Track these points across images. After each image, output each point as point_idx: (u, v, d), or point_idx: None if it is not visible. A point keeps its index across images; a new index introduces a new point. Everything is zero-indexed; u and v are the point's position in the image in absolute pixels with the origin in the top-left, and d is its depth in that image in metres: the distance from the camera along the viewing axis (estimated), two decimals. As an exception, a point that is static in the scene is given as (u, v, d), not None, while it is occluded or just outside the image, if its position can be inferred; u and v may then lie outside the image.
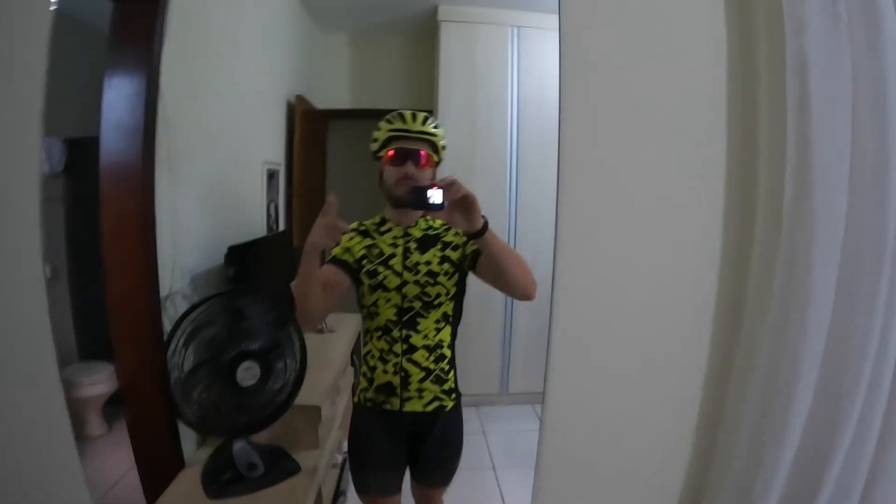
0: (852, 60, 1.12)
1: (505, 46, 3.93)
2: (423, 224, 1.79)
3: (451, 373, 1.82)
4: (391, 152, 1.70)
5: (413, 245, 1.75)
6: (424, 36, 4.47)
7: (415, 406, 1.76)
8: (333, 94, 4.71)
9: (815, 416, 1.23)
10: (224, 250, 2.48)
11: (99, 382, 3.16)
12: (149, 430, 2.07)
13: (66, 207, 3.46)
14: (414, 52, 4.80)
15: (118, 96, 1.94)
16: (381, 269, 1.72)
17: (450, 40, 3.92)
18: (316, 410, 2.31)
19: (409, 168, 1.69)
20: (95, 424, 3.29)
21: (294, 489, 2.05)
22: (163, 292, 2.08)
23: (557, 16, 1.27)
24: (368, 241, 1.76)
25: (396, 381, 1.74)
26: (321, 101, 4.49)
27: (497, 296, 1.68)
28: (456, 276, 1.75)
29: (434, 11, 3.98)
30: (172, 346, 1.87)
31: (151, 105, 1.96)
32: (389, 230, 1.78)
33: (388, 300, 1.71)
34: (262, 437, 2.10)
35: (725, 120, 1.29)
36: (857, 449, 1.24)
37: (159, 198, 2.03)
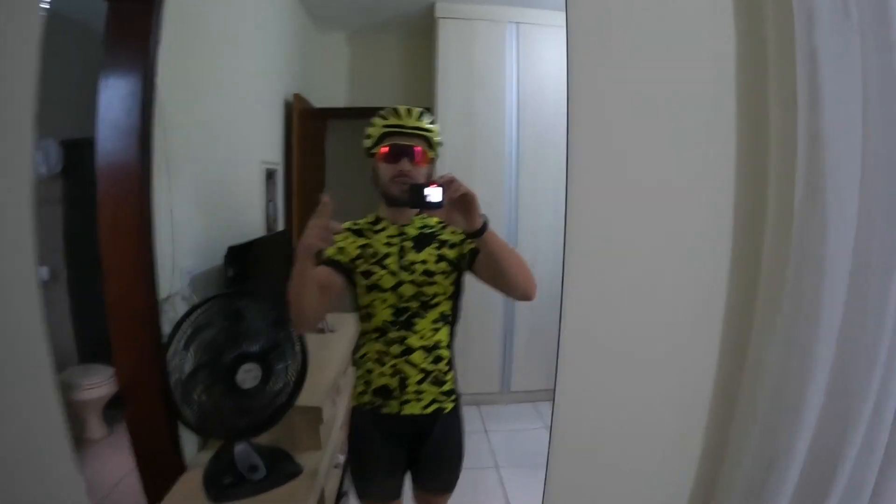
0: (862, 56, 1.11)
1: (503, 43, 3.92)
2: (418, 222, 1.75)
3: (450, 374, 1.77)
4: (385, 149, 1.65)
5: (409, 244, 1.70)
6: (422, 33, 4.48)
7: (413, 409, 1.71)
8: (331, 93, 4.72)
9: (826, 416, 1.22)
10: (223, 251, 2.47)
11: (99, 385, 3.16)
12: (149, 432, 2.04)
13: (65, 209, 3.46)
14: (412, 50, 4.80)
15: (114, 97, 1.92)
16: (376, 269, 1.67)
17: (448, 37, 3.90)
18: (317, 411, 2.30)
19: (405, 165, 1.63)
20: (96, 427, 3.29)
21: (296, 491, 2.04)
22: (162, 294, 2.06)
23: (563, 12, 1.25)
24: (363, 241, 1.71)
25: (394, 383, 1.69)
26: (319, 100, 4.49)
27: (497, 294, 1.65)
28: (453, 276, 1.71)
29: (431, 8, 3.97)
30: (172, 349, 1.86)
31: (148, 105, 1.94)
32: (384, 229, 1.73)
33: (384, 301, 1.67)
34: (263, 438, 2.09)
35: (735, 117, 1.27)
36: (867, 449, 1.22)
37: (157, 198, 2.01)
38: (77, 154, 3.34)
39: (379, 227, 1.73)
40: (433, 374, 1.70)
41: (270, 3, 3.69)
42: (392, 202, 1.69)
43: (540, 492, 3.06)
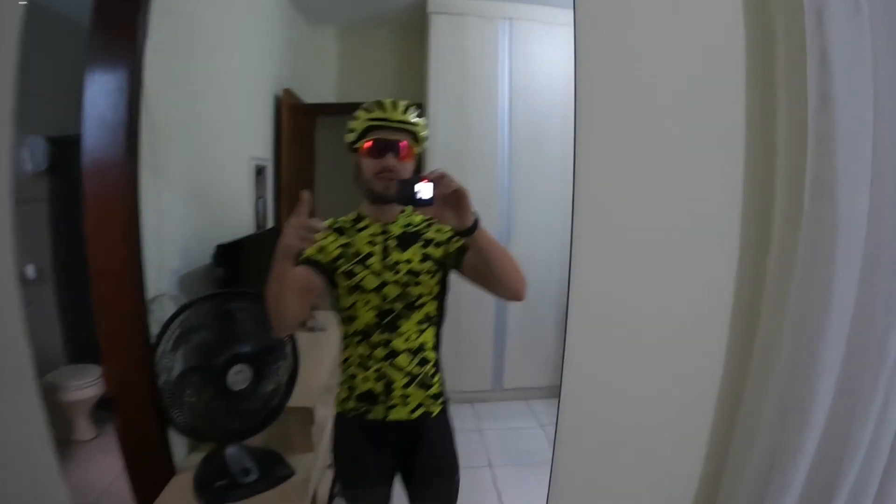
0: (873, 52, 1.08)
1: (496, 39, 3.87)
2: (402, 220, 1.68)
3: (437, 377, 1.71)
4: (369, 143, 1.59)
5: (393, 243, 1.64)
6: (414, 28, 4.41)
7: (400, 414, 1.64)
8: (321, 88, 4.66)
9: (833, 418, 1.20)
10: (212, 249, 2.43)
11: (87, 386, 3.11)
12: (138, 435, 2.01)
13: (51, 207, 3.41)
14: (403, 45, 4.74)
15: (100, 92, 1.88)
16: (358, 269, 1.60)
17: (439, 33, 3.86)
18: (309, 412, 2.27)
19: (389, 160, 1.57)
20: (84, 428, 3.24)
21: (288, 493, 2.02)
22: (149, 294, 2.02)
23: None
24: (344, 240, 1.64)
25: (379, 388, 1.63)
26: (309, 96, 4.44)
27: (489, 291, 1.60)
28: (439, 275, 1.65)
29: (423, 3, 3.93)
30: (161, 350, 1.82)
31: (134, 101, 1.90)
32: (367, 227, 1.66)
33: (367, 302, 1.60)
34: (255, 440, 2.06)
35: (744, 115, 1.26)
36: (873, 449, 1.21)
37: (144, 196, 1.97)
38: (64, 151, 3.29)
39: (361, 225, 1.67)
40: (419, 378, 1.65)
41: (259, -3, 3.65)
42: (376, 199, 1.62)
43: (534, 491, 3.05)
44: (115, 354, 1.96)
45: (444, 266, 1.65)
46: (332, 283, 1.62)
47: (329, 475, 2.59)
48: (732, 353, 1.34)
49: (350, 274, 1.59)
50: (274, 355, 2.00)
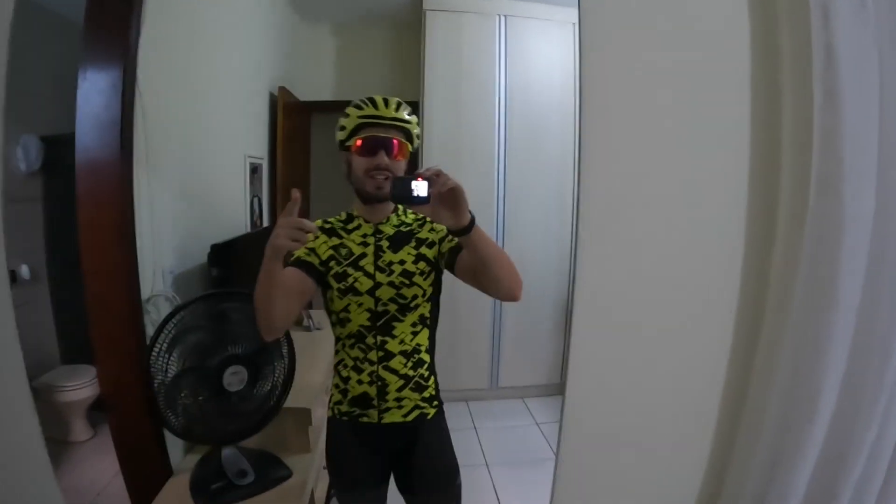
0: (878, 48, 1.08)
1: (492, 36, 3.87)
2: (394, 220, 1.64)
3: (432, 379, 1.66)
4: (360, 141, 1.53)
5: (385, 243, 1.59)
6: (409, 25, 4.41)
7: (394, 417, 1.60)
8: (317, 86, 4.67)
9: (837, 415, 1.20)
10: (206, 249, 2.41)
11: (82, 386, 3.11)
12: (133, 436, 1.99)
13: (45, 207, 3.40)
14: (399, 42, 4.75)
15: (93, 90, 1.85)
16: (350, 270, 1.55)
17: (435, 30, 3.85)
18: (306, 413, 2.26)
19: (382, 158, 1.51)
20: (80, 429, 3.24)
21: (285, 495, 2.00)
22: (144, 294, 2.01)
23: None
24: (335, 241, 1.59)
25: (373, 391, 1.58)
26: (304, 93, 4.44)
27: (485, 290, 1.58)
28: (432, 276, 1.61)
29: (419, 0, 3.91)
30: (155, 351, 1.80)
31: (128, 99, 1.87)
32: (358, 227, 1.61)
33: (361, 304, 1.55)
34: (251, 441, 2.05)
35: (748, 111, 1.25)
36: (878, 447, 1.22)
37: (138, 195, 1.94)
38: (57, 150, 3.29)
39: (352, 225, 1.62)
40: (414, 380, 1.61)
41: (254, -5, 3.63)
42: (368, 199, 1.58)
43: (531, 488, 3.06)
44: (110, 355, 1.94)
45: (437, 266, 1.62)
46: (324, 285, 1.58)
47: (326, 476, 2.58)
48: (737, 350, 1.34)
49: (342, 276, 1.55)
50: (270, 356, 1.98)
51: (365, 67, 4.72)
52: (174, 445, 2.10)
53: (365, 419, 1.61)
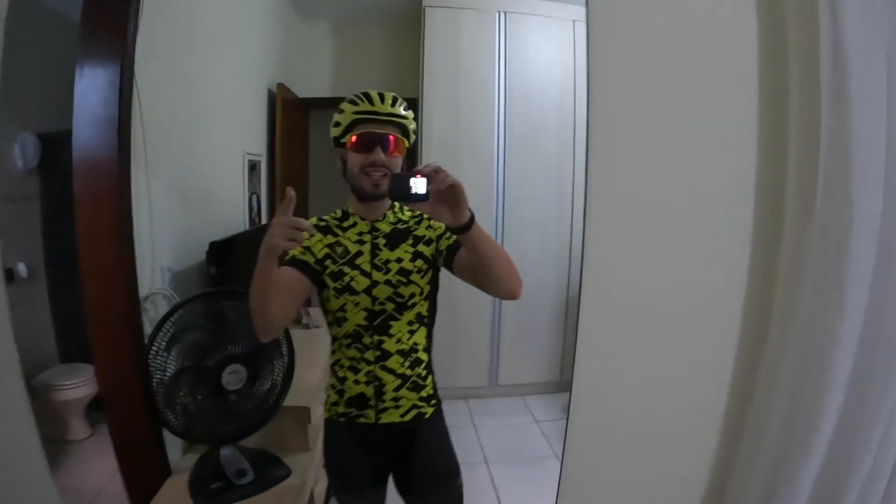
0: (886, 45, 1.06)
1: (491, 32, 3.85)
2: (391, 217, 1.60)
3: (429, 378, 1.64)
4: (355, 137, 1.49)
5: (382, 241, 1.56)
6: (408, 22, 4.38)
7: (392, 417, 1.58)
8: (315, 83, 4.65)
9: (843, 416, 1.19)
10: (205, 246, 2.40)
11: (80, 385, 3.09)
12: (132, 436, 1.98)
13: (43, 204, 3.38)
14: (398, 39, 4.73)
15: (91, 87, 1.83)
16: (347, 269, 1.52)
17: (434, 26, 3.83)
18: (305, 411, 2.25)
19: (378, 155, 1.48)
20: (78, 428, 3.22)
21: (285, 494, 2.00)
22: (142, 292, 1.99)
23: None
24: (331, 239, 1.56)
25: (370, 391, 1.56)
26: (303, 90, 4.42)
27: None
28: (429, 274, 1.58)
29: (418, -4, 3.91)
30: (154, 349, 1.79)
31: (126, 96, 1.85)
32: (354, 225, 1.58)
33: (357, 304, 1.52)
34: (250, 441, 2.04)
35: (756, 111, 1.24)
36: (884, 448, 1.21)
37: (136, 192, 1.93)
38: (55, 148, 3.27)
39: (348, 223, 1.59)
40: (411, 380, 1.59)
41: (252, -9, 3.62)
42: (364, 196, 1.55)
43: (530, 487, 3.06)
44: (108, 354, 1.92)
45: (435, 264, 1.60)
46: (320, 285, 1.55)
47: (325, 475, 2.57)
48: (743, 349, 1.33)
49: (338, 275, 1.53)
50: (269, 354, 1.97)
51: (364, 64, 4.70)
52: (173, 445, 2.09)
53: (362, 420, 1.59)
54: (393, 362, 1.56)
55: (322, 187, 4.58)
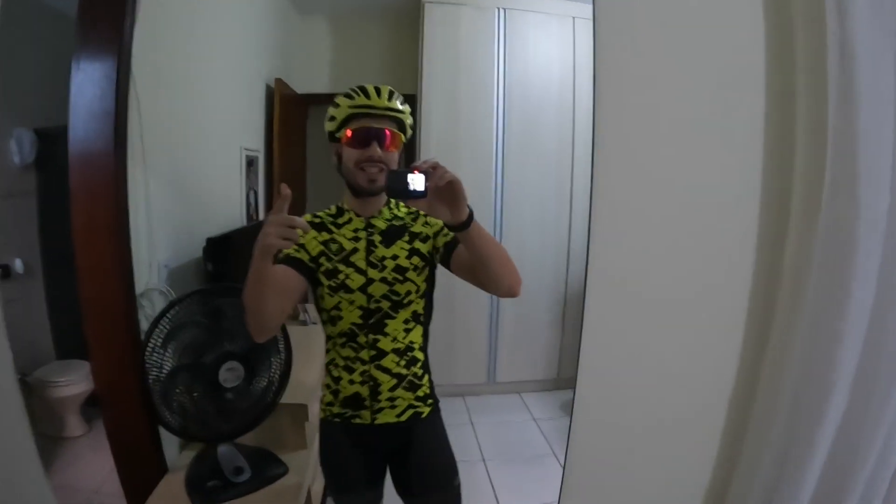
0: (894, 50, 1.05)
1: (491, 29, 3.84)
2: (387, 213, 1.57)
3: (426, 377, 1.62)
4: (350, 132, 1.47)
5: (377, 238, 1.53)
6: (407, 18, 4.38)
7: (387, 417, 1.56)
8: (314, 78, 4.64)
9: (847, 416, 1.19)
10: (202, 242, 2.38)
11: (76, 382, 3.08)
12: (128, 433, 1.96)
13: (39, 200, 3.37)
14: (397, 35, 4.71)
15: (87, 80, 1.81)
16: (341, 266, 1.50)
17: (434, 22, 3.82)
18: (303, 409, 2.24)
19: (374, 150, 1.45)
20: (75, 425, 3.21)
21: (282, 492, 1.98)
22: (138, 289, 1.97)
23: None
24: (325, 236, 1.53)
25: (365, 391, 1.54)
26: (301, 86, 4.41)
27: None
28: (426, 271, 1.56)
29: (417, -8, 3.89)
30: (150, 346, 1.78)
31: (123, 89, 1.83)
32: (349, 222, 1.55)
33: (352, 302, 1.50)
34: (247, 438, 2.03)
35: (763, 110, 1.23)
36: (887, 448, 1.20)
37: (132, 187, 1.91)
38: (52, 143, 3.26)
39: (343, 219, 1.56)
40: (407, 379, 1.56)
41: (250, -14, 3.60)
42: (360, 192, 1.52)
43: (527, 485, 3.05)
44: (104, 351, 1.91)
45: (431, 261, 1.57)
46: (314, 283, 1.53)
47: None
48: (747, 348, 1.33)
49: (333, 272, 1.50)
50: (266, 351, 1.96)
51: (362, 59, 4.69)
52: (169, 442, 2.08)
53: (357, 420, 1.57)
54: (388, 361, 1.54)
55: (320, 183, 4.57)
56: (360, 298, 1.50)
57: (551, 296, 4.16)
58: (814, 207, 1.12)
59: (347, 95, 1.49)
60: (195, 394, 1.84)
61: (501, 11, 3.84)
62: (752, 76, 1.22)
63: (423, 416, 1.61)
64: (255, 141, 3.62)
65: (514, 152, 3.95)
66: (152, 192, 2.07)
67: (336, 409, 1.58)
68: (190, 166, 2.59)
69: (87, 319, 1.87)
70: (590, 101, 1.24)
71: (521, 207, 4.01)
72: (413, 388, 1.58)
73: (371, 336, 1.52)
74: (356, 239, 1.53)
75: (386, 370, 1.54)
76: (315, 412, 2.35)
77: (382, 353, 1.53)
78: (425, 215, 1.57)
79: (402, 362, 1.55)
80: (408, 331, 1.56)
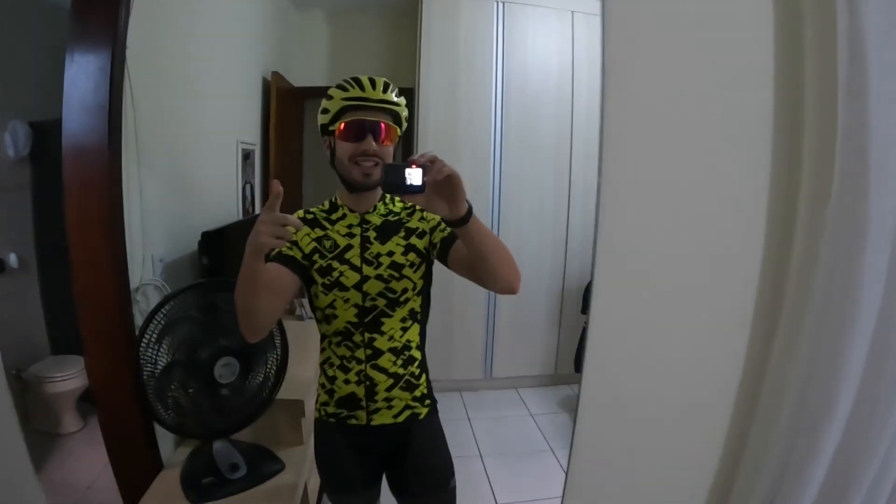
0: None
1: (489, 22, 3.81)
2: (382, 209, 1.54)
3: (423, 377, 1.58)
4: (344, 125, 1.41)
5: (372, 234, 1.49)
6: (405, 10, 4.36)
7: (384, 418, 1.53)
8: (311, 71, 4.62)
9: (853, 416, 1.18)
10: (197, 237, 2.36)
11: (71, 377, 3.07)
12: (123, 429, 1.94)
13: (34, 194, 3.35)
14: (395, 28, 4.69)
15: (81, 73, 1.79)
16: (336, 264, 1.46)
17: (432, 15, 3.79)
18: (299, 405, 2.23)
19: (369, 143, 1.40)
20: (70, 421, 3.20)
21: (279, 488, 1.97)
22: (133, 283, 1.96)
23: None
24: (318, 233, 1.50)
25: (361, 391, 1.50)
26: (298, 79, 4.39)
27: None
28: (423, 268, 1.52)
29: (416, -15, 3.86)
30: (144, 342, 1.76)
31: (117, 82, 1.81)
32: (343, 217, 1.51)
33: (347, 300, 1.46)
34: (243, 434, 2.01)
35: (772, 104, 1.21)
36: (890, 452, 1.20)
37: (126, 181, 1.89)
38: (47, 136, 3.24)
39: (336, 215, 1.52)
40: (404, 379, 1.53)
41: (246, -22, 3.56)
42: (354, 187, 1.47)
43: (524, 480, 3.04)
44: (98, 346, 1.89)
45: (428, 257, 1.54)
46: (307, 281, 1.50)
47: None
48: (752, 349, 1.31)
49: (327, 270, 1.47)
50: (262, 347, 1.94)
51: (360, 52, 4.66)
52: (165, 438, 2.06)
53: (353, 421, 1.54)
54: (385, 361, 1.50)
55: (316, 177, 4.55)
56: (356, 296, 1.47)
57: (549, 291, 4.15)
58: (822, 204, 1.11)
59: (341, 87, 1.44)
60: (190, 390, 1.82)
61: (500, 5, 3.81)
62: (761, 71, 1.20)
63: (421, 417, 1.58)
64: (251, 134, 3.60)
65: (513, 146, 3.93)
66: (147, 185, 2.05)
67: (331, 410, 1.55)
68: (185, 159, 2.56)
69: (81, 314, 1.85)
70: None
71: (519, 202, 3.99)
72: (410, 388, 1.55)
73: (367, 335, 1.49)
74: (350, 235, 1.50)
75: (382, 370, 1.50)
76: (311, 408, 2.34)
77: (379, 353, 1.50)
78: (422, 210, 1.54)
79: (399, 361, 1.52)
80: (405, 329, 1.53)
